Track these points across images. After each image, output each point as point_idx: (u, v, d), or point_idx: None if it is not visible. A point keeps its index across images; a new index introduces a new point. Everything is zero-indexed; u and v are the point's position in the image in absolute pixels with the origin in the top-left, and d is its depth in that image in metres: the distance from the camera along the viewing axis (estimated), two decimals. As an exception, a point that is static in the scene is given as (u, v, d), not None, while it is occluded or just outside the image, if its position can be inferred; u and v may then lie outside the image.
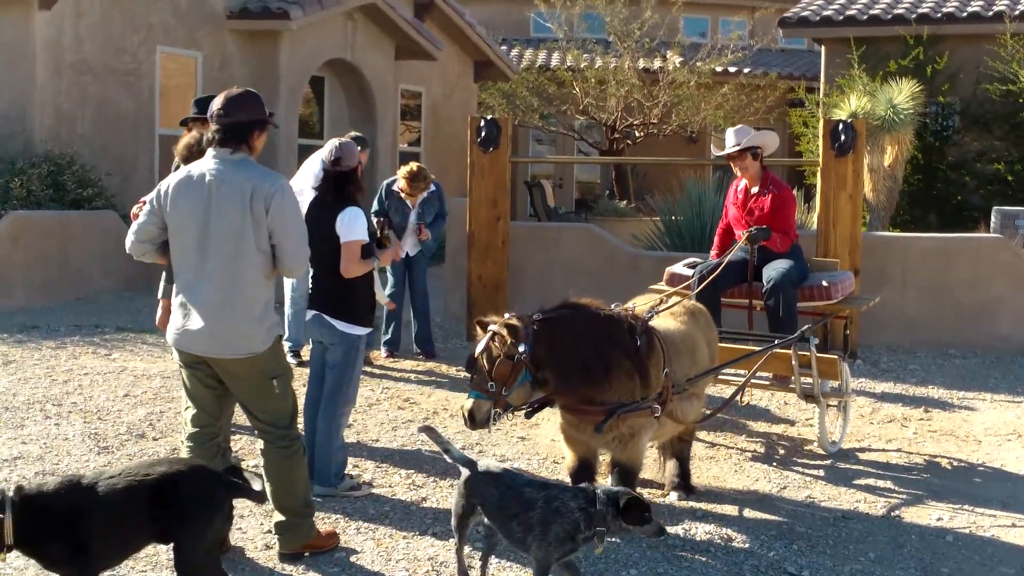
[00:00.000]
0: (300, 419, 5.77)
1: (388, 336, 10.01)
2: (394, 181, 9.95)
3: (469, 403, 5.30)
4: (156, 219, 5.08)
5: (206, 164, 5.05)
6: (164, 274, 5.16)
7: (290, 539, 5.28)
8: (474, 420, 5.29)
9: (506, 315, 5.50)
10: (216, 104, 5.06)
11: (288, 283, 9.28)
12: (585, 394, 5.52)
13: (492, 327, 5.35)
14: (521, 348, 5.27)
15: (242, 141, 5.04)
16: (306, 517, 5.30)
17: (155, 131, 15.31)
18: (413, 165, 9.93)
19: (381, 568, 5.20)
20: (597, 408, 5.52)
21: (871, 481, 6.78)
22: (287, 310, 9.41)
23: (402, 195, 9.82)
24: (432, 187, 9.92)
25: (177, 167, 6.55)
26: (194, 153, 5.77)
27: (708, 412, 6.76)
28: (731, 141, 8.11)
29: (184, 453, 5.25)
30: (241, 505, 5.95)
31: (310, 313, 6.32)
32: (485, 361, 5.29)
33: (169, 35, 15.47)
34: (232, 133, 5.02)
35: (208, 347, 5.03)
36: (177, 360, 5.26)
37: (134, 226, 5.18)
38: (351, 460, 6.65)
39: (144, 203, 5.28)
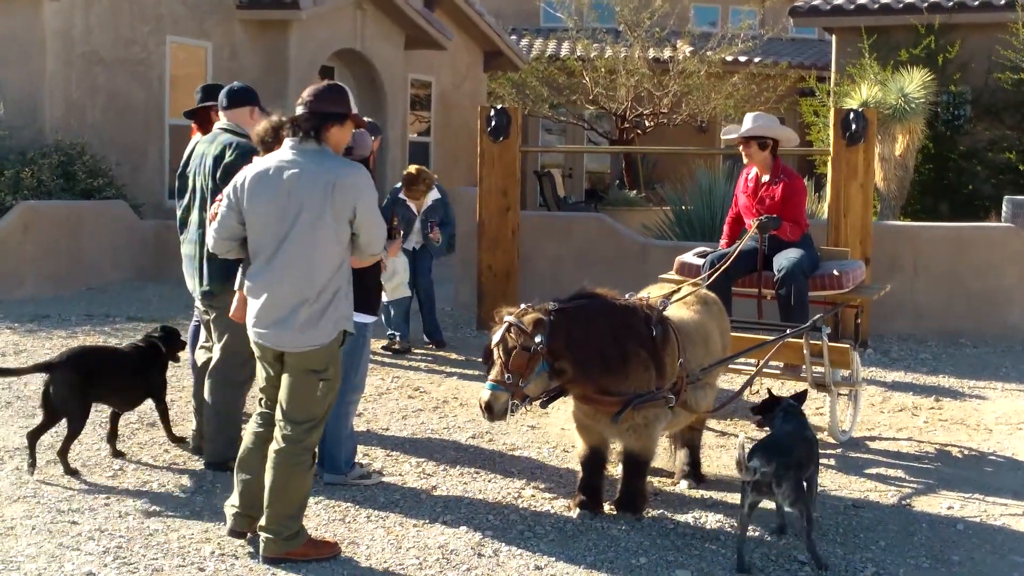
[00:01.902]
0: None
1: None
2: (400, 188, 9.96)
3: (486, 395, 5.28)
4: (235, 213, 5.09)
5: (283, 155, 5.07)
6: (241, 266, 5.24)
7: (267, 545, 5.08)
8: (492, 412, 5.27)
9: (522, 305, 5.49)
10: (302, 94, 5.13)
11: None
12: (603, 384, 5.51)
13: (508, 318, 5.34)
14: (538, 339, 5.26)
15: (316, 132, 5.05)
16: (286, 529, 5.06)
17: (165, 121, 15.33)
18: (412, 168, 9.93)
19: (391, 556, 5.20)
20: (613, 398, 5.52)
21: (882, 470, 6.77)
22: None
23: (408, 202, 9.80)
24: (437, 194, 9.89)
25: (191, 152, 6.58)
26: (268, 141, 5.78)
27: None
28: (747, 125, 8.09)
29: (250, 429, 5.27)
30: (252, 493, 5.98)
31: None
32: (502, 352, 5.28)
33: (179, 25, 15.47)
34: (307, 123, 5.05)
35: (277, 339, 5.03)
36: (256, 351, 5.24)
37: (215, 223, 5.22)
38: (361, 449, 6.66)
39: (220, 200, 5.30)
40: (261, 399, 5.30)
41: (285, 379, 5.10)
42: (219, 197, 5.42)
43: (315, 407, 5.11)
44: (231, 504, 5.29)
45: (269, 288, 5.02)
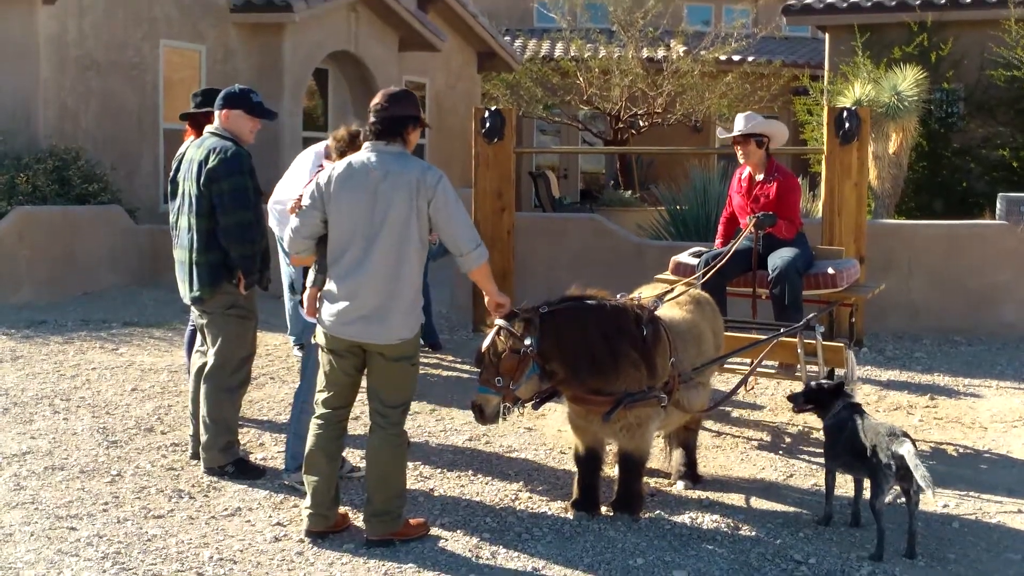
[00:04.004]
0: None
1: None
2: None
3: (478, 398, 5.35)
4: (319, 212, 5.33)
5: (366, 156, 5.30)
6: (315, 264, 5.54)
7: (376, 526, 5.39)
8: (483, 415, 5.35)
9: (512, 309, 5.52)
10: (375, 100, 5.36)
11: (286, 274, 9.27)
12: (594, 385, 5.55)
13: (498, 322, 5.39)
14: (528, 342, 5.31)
15: (397, 135, 5.30)
16: (397, 508, 5.42)
17: (159, 125, 15.32)
18: None
19: (390, 559, 5.22)
20: (605, 398, 5.55)
21: (877, 468, 6.78)
22: (287, 303, 9.40)
23: None
24: None
25: (181, 157, 6.58)
26: (347, 147, 6.04)
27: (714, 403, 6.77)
28: (740, 125, 8.11)
29: (312, 430, 5.47)
30: (250, 499, 6.00)
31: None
32: (492, 356, 5.32)
33: (172, 29, 15.47)
34: (389, 126, 5.29)
35: (367, 333, 5.27)
36: (323, 345, 5.44)
37: (294, 222, 5.44)
38: (358, 452, 6.65)
39: (300, 201, 5.55)
40: (321, 398, 5.50)
41: (379, 370, 5.36)
42: (297, 198, 5.61)
43: (407, 391, 5.46)
44: (305, 506, 5.51)
45: (361, 285, 5.24)
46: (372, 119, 5.32)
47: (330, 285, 5.36)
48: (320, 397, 5.52)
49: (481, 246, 5.37)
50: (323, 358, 5.48)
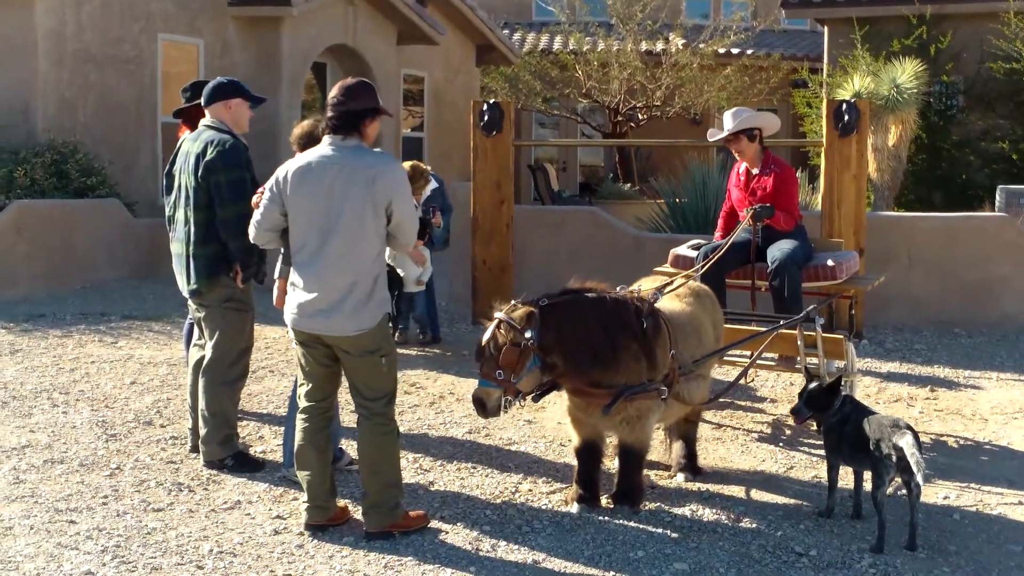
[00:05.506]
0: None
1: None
2: None
3: (479, 392, 5.34)
4: (277, 206, 5.34)
5: (323, 151, 5.30)
6: (281, 255, 5.59)
7: (373, 519, 5.38)
8: (485, 408, 5.34)
9: (512, 302, 5.51)
10: (332, 93, 5.35)
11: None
12: (594, 377, 5.54)
13: (498, 315, 5.37)
14: (528, 335, 5.29)
15: (354, 128, 5.29)
16: (392, 498, 5.39)
17: (157, 119, 15.30)
18: (406, 165, 9.97)
19: (390, 552, 5.21)
20: (605, 391, 5.54)
21: (878, 460, 6.77)
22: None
23: None
24: (434, 183, 9.94)
25: (178, 150, 6.57)
26: (308, 142, 6.04)
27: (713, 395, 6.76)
28: (728, 124, 8.08)
29: (299, 425, 5.46)
30: (250, 492, 5.99)
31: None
32: (492, 349, 5.31)
33: (170, 23, 15.45)
34: (345, 121, 5.27)
35: (325, 326, 5.26)
36: (293, 339, 5.47)
37: (256, 216, 5.46)
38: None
39: (262, 193, 5.54)
40: (303, 391, 5.50)
41: (348, 365, 5.36)
42: (260, 190, 5.66)
43: (384, 383, 5.39)
44: (303, 501, 5.51)
45: (318, 279, 5.23)
46: (329, 113, 5.31)
47: (293, 278, 5.38)
48: (301, 391, 5.51)
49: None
50: (297, 351, 5.48)
